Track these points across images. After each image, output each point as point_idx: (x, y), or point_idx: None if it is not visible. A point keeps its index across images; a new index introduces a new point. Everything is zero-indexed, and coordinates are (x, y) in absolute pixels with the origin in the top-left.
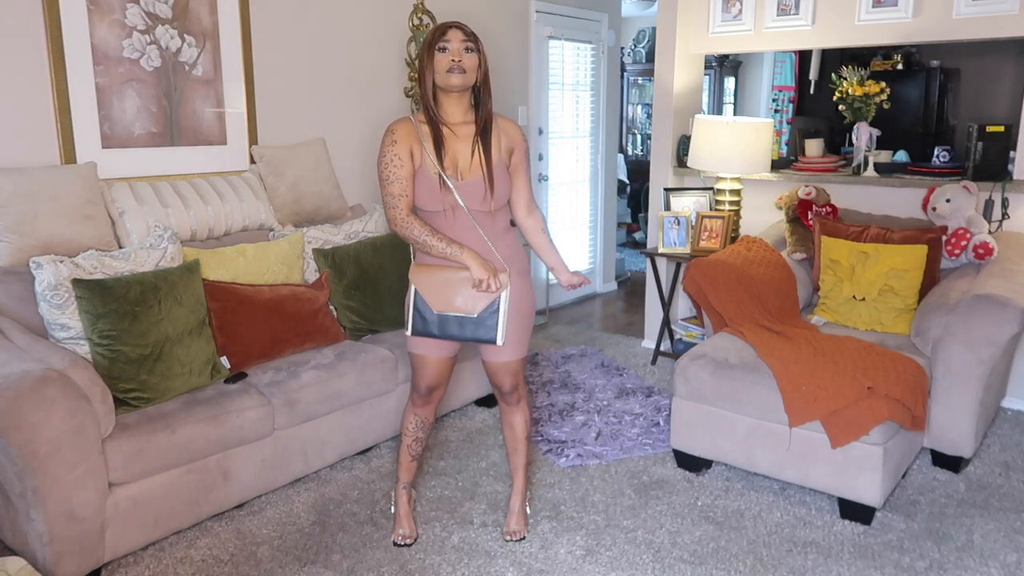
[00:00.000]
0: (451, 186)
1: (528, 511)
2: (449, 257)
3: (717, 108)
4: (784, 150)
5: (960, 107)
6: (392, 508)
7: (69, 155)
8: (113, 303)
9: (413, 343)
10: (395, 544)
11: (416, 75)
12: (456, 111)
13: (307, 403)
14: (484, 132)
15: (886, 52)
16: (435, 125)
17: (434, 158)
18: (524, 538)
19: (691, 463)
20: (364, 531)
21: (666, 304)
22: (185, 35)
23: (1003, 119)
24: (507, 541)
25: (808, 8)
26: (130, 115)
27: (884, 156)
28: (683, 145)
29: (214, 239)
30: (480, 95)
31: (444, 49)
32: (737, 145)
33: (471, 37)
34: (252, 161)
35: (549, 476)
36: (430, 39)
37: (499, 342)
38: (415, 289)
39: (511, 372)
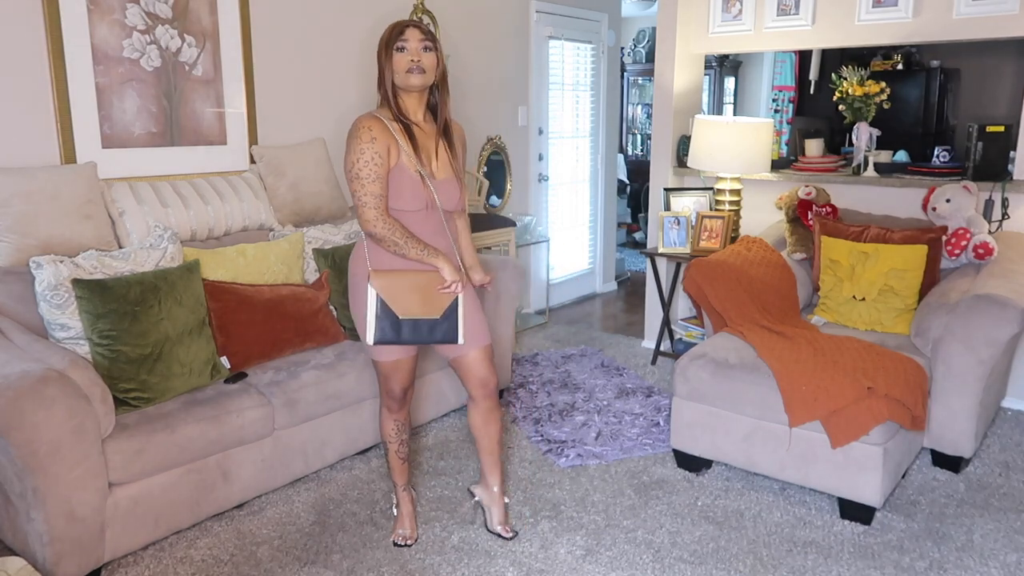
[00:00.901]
0: (431, 185)
1: (506, 501)
2: (424, 260)
3: (717, 108)
4: (784, 150)
5: (960, 107)
6: (394, 509)
7: (69, 155)
8: (113, 303)
9: (379, 351)
10: (395, 544)
11: None
12: (417, 110)
13: (307, 403)
14: (445, 132)
15: (886, 52)
16: (405, 123)
17: (413, 156)
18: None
19: (691, 463)
20: (364, 531)
21: (666, 304)
22: (185, 35)
23: (1003, 119)
24: (508, 539)
25: (808, 8)
26: (130, 115)
27: (884, 156)
28: (683, 145)
29: (214, 239)
30: (439, 94)
31: (402, 49)
32: (737, 145)
33: (429, 36)
34: (252, 161)
35: (549, 476)
36: (387, 38)
37: (460, 340)
38: (377, 296)
39: (490, 358)
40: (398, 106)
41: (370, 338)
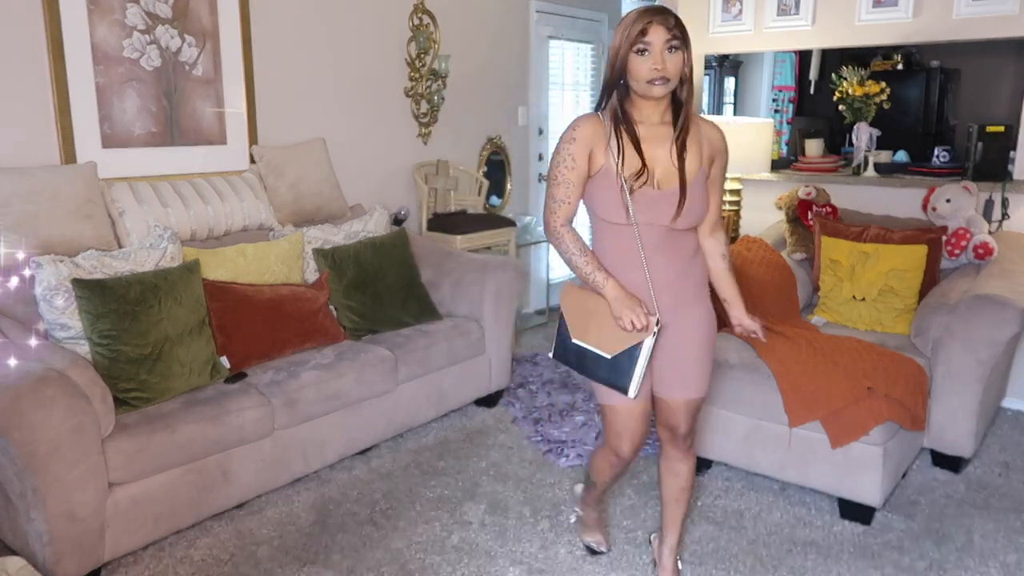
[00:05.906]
0: (632, 196)
1: (680, 567)
2: (590, 284)
3: (717, 108)
4: (784, 150)
5: (960, 107)
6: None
7: (69, 155)
8: (113, 303)
9: (603, 393)
10: (592, 550)
11: (416, 74)
12: (654, 113)
13: (307, 403)
14: (682, 136)
15: (886, 52)
16: (630, 125)
17: (627, 160)
18: None
19: None
20: (364, 531)
21: None
22: (185, 35)
23: (1003, 119)
24: None
25: (808, 8)
26: (130, 115)
27: (884, 156)
28: None
29: (214, 239)
30: (682, 92)
31: (644, 52)
32: (737, 145)
33: (677, 31)
34: (252, 161)
35: (549, 476)
36: (627, 34)
37: (631, 394)
38: (561, 311)
39: (691, 412)
40: (623, 108)
41: (551, 351)
